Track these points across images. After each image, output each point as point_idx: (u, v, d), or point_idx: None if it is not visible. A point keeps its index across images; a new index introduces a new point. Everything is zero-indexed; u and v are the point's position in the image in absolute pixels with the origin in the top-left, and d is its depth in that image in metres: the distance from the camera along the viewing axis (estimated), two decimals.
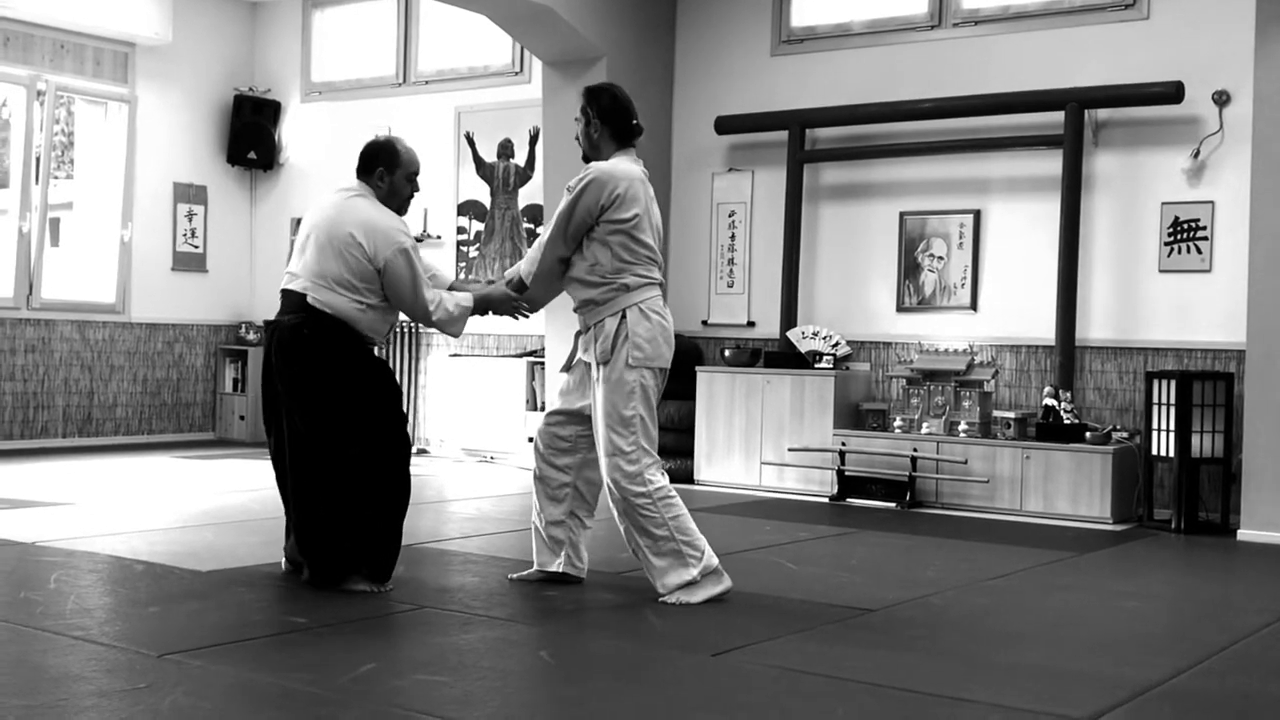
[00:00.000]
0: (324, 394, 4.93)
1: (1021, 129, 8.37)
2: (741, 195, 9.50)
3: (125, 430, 10.94)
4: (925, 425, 8.24)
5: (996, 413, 8.15)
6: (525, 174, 10.14)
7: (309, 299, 4.94)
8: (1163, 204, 7.96)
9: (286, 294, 5.04)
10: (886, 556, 6.33)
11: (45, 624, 4.31)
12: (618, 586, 5.23)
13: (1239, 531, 7.18)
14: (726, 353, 9.10)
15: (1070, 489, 7.66)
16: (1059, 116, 8.13)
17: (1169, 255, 7.93)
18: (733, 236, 9.53)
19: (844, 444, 8.35)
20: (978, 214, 8.58)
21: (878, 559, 6.24)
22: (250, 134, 11.46)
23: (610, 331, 4.92)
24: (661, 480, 4.95)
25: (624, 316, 4.94)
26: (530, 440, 5.39)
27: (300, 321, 4.94)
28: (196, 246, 11.42)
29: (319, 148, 11.34)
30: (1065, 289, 8.08)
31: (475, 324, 5.15)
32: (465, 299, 5.17)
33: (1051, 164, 8.24)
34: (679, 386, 9.07)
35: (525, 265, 5.22)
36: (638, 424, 4.92)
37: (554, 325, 9.09)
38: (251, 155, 11.48)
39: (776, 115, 9.13)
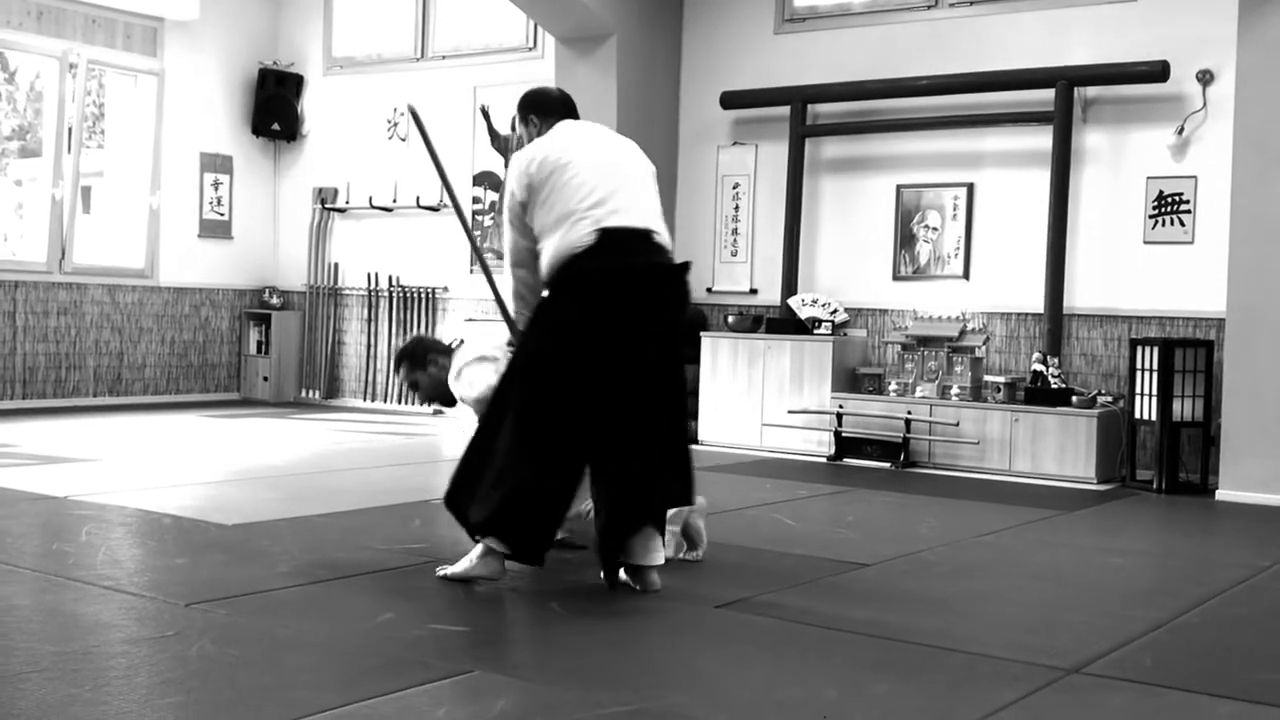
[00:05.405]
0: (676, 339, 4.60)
1: (1013, 106, 8.47)
2: (745, 168, 9.64)
3: (153, 390, 11.10)
4: (919, 389, 8.41)
5: (987, 377, 8.29)
6: None
7: (658, 238, 4.48)
8: (1148, 178, 8.07)
9: (629, 232, 4.38)
10: (881, 514, 6.49)
11: (77, 574, 4.39)
12: None
13: (1217, 491, 7.34)
14: (730, 319, 9.22)
15: (1057, 450, 7.80)
16: (1049, 94, 8.24)
17: (1153, 227, 8.06)
18: (736, 208, 9.68)
19: (841, 406, 8.50)
20: (971, 187, 8.72)
21: (873, 516, 6.39)
22: (274, 106, 11.58)
23: None
24: None
25: None
26: None
27: (683, 263, 4.53)
28: (222, 214, 11.56)
29: (340, 120, 11.46)
30: (1054, 259, 8.20)
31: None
32: None
33: (1042, 139, 8.36)
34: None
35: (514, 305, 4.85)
36: None
37: None
38: (275, 126, 11.60)
39: (779, 91, 9.23)
